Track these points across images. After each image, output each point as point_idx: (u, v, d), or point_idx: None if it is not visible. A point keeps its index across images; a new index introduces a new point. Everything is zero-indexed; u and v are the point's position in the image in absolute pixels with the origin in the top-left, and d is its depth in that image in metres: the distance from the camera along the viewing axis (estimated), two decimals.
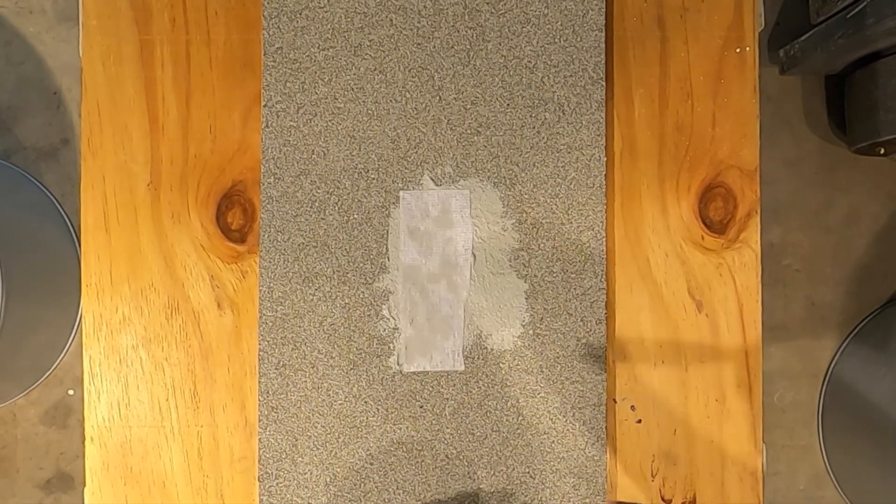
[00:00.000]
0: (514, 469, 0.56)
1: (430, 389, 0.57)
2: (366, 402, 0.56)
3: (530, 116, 0.57)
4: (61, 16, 1.31)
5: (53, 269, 1.22)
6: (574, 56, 0.57)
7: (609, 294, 0.58)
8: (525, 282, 0.57)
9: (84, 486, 0.57)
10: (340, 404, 0.56)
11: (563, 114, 0.57)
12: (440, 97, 0.57)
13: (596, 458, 0.56)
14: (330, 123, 0.57)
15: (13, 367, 1.20)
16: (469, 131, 0.57)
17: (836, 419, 1.28)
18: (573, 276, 0.57)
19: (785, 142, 1.33)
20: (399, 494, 0.56)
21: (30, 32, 1.30)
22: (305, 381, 0.56)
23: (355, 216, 0.57)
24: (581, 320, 0.57)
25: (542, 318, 0.57)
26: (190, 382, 0.57)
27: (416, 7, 0.57)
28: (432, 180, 0.57)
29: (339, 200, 0.57)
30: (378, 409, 0.56)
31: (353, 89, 0.57)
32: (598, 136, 0.57)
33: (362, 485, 0.56)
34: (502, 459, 0.56)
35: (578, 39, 0.58)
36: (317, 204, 0.57)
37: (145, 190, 0.58)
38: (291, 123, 0.57)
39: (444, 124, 0.57)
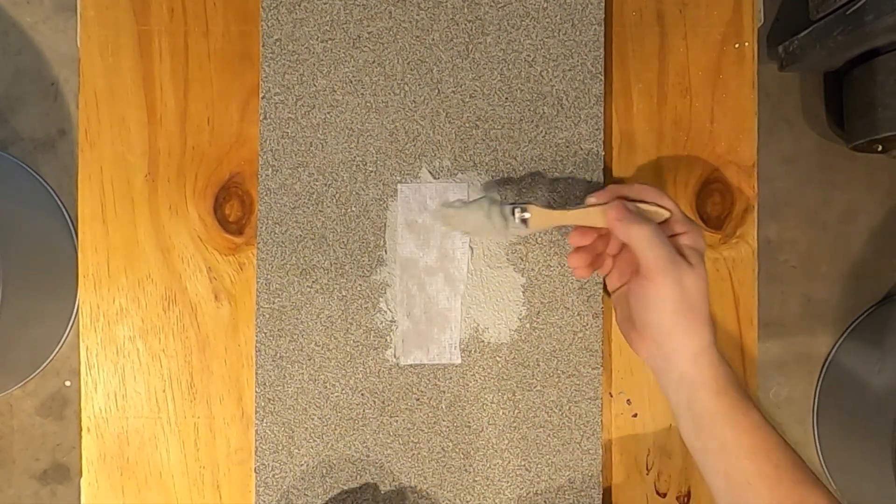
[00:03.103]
0: (509, 462, 0.56)
1: (427, 382, 0.57)
2: (362, 395, 0.56)
3: (529, 110, 0.57)
4: (59, 6, 1.30)
5: (50, 261, 1.22)
6: (573, 50, 0.57)
7: (605, 289, 0.58)
8: (522, 275, 0.57)
9: (80, 476, 0.57)
10: (337, 396, 0.56)
11: (562, 108, 0.57)
12: (439, 90, 0.57)
13: (591, 451, 0.57)
14: (328, 116, 0.57)
15: (10, 358, 1.20)
16: (467, 125, 0.57)
17: (831, 415, 1.29)
18: (570, 270, 0.57)
19: (783, 138, 1.33)
20: (395, 487, 0.56)
21: (27, 22, 1.30)
22: (302, 374, 0.56)
23: (353, 209, 0.57)
24: (578, 314, 0.57)
25: (538, 312, 0.57)
26: (187, 374, 0.57)
27: None
28: (430, 173, 0.57)
29: (336, 193, 0.57)
30: (374, 402, 0.57)
31: (351, 82, 0.57)
32: (597, 130, 0.57)
33: (358, 477, 0.56)
34: (498, 452, 0.57)
35: (577, 33, 0.57)
36: (314, 196, 0.57)
37: (143, 181, 0.58)
38: (289, 115, 0.57)
39: (443, 117, 0.57)
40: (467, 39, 0.57)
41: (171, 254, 0.57)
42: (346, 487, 0.56)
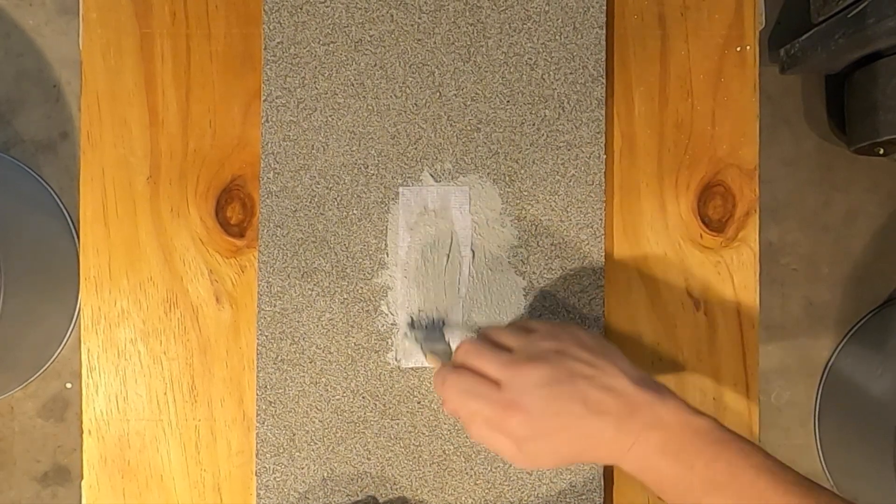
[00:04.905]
0: (510, 465, 0.56)
1: (428, 385, 0.57)
2: (363, 398, 0.56)
3: (530, 113, 0.57)
4: (61, 8, 1.30)
5: (52, 263, 1.22)
6: (574, 53, 0.57)
7: (607, 292, 0.58)
8: (523, 279, 0.57)
9: (81, 479, 0.57)
10: (338, 399, 0.56)
11: (563, 111, 0.57)
12: (440, 93, 0.57)
13: None
14: (330, 119, 0.57)
15: (11, 359, 1.21)
16: (469, 128, 0.57)
17: (833, 418, 1.29)
18: (571, 273, 0.57)
19: (784, 141, 1.33)
20: (396, 490, 0.56)
21: (29, 25, 1.30)
22: (303, 376, 0.56)
23: (354, 212, 0.57)
24: (579, 317, 0.57)
25: (539, 315, 0.57)
26: (188, 376, 0.57)
27: (417, 3, 0.57)
28: (432, 176, 0.57)
29: (338, 196, 0.57)
30: (376, 405, 0.56)
31: (353, 85, 0.57)
32: (598, 133, 0.57)
33: (359, 480, 0.56)
34: (499, 456, 0.56)
35: (579, 37, 0.57)
36: (316, 199, 0.57)
37: (144, 184, 0.58)
38: (291, 118, 0.57)
39: (444, 120, 0.57)
40: (469, 43, 0.57)
41: (172, 256, 0.57)
42: (346, 490, 0.56)
